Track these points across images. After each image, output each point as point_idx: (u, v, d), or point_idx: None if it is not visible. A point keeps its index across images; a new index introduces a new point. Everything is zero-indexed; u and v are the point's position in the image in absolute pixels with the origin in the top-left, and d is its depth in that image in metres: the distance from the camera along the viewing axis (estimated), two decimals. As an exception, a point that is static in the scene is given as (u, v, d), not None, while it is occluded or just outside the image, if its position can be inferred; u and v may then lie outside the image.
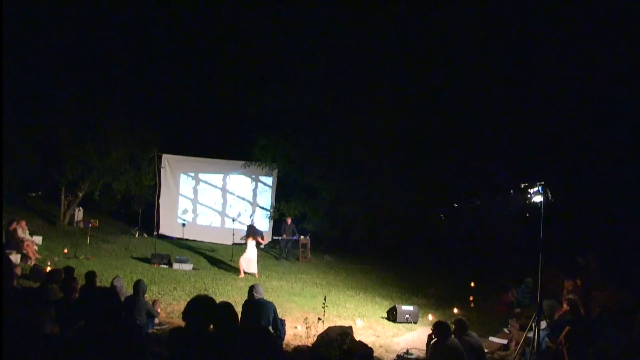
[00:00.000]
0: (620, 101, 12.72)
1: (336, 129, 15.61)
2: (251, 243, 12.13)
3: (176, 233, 15.78)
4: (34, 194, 17.42)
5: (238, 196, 17.04)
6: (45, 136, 15.02)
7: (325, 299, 8.48)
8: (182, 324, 3.69)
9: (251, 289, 6.59)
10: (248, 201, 17.07)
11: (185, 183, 16.85)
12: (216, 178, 17.03)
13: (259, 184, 17.10)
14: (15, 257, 10.10)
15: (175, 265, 11.96)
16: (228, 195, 17.02)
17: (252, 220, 16.86)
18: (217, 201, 17.01)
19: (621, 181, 12.25)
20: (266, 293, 7.33)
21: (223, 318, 3.67)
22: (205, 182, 17.05)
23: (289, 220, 15.32)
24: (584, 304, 8.00)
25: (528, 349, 6.86)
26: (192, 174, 16.92)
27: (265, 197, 17.05)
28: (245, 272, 12.00)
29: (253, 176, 16.90)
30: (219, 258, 13.79)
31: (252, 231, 12.44)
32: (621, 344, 6.92)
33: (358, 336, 7.39)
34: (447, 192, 13.95)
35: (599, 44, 12.90)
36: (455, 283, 12.84)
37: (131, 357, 3.48)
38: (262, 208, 16.93)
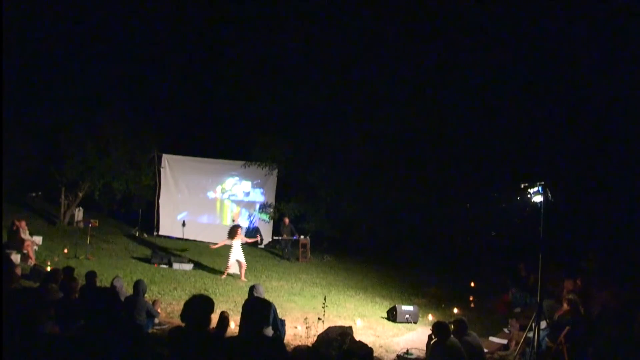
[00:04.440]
0: (620, 101, 12.71)
1: (336, 129, 15.61)
2: (237, 242, 11.61)
3: (176, 233, 15.76)
4: (34, 194, 17.43)
5: (237, 196, 17.06)
6: (45, 136, 15.03)
7: (325, 299, 8.49)
8: (182, 324, 3.69)
9: (251, 288, 6.59)
10: (248, 201, 17.09)
11: (185, 183, 16.84)
12: (216, 178, 17.03)
13: (259, 184, 17.10)
14: (16, 257, 10.09)
15: (175, 265, 11.96)
16: (228, 195, 17.03)
17: (251, 222, 16.88)
18: (217, 201, 17.01)
19: (621, 181, 12.26)
20: (266, 293, 7.33)
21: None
22: (205, 182, 17.04)
23: (287, 221, 15.30)
24: (584, 304, 7.97)
25: (528, 349, 6.86)
26: (192, 174, 16.91)
27: (265, 197, 17.07)
28: (229, 273, 11.66)
29: (252, 176, 16.90)
30: (219, 258, 13.76)
31: (234, 230, 11.80)
32: (621, 343, 6.91)
33: (358, 336, 7.38)
34: (447, 192, 13.95)
35: (598, 44, 12.91)
36: (455, 283, 12.85)
37: (131, 357, 3.48)
38: (262, 208, 16.93)
